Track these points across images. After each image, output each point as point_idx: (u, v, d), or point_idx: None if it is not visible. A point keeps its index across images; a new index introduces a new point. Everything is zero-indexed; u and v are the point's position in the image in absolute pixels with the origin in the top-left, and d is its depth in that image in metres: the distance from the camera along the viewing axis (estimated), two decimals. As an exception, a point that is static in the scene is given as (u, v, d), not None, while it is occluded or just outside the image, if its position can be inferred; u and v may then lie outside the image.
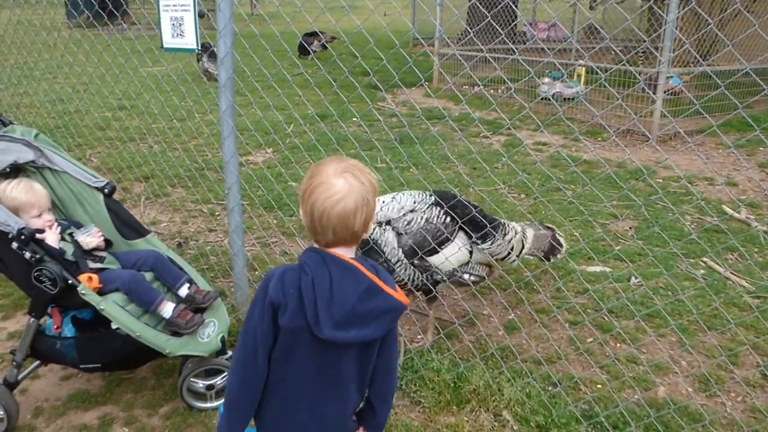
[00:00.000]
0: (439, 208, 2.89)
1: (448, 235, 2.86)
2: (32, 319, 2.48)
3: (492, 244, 2.98)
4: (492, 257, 3.01)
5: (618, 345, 3.14)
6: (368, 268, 1.45)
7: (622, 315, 3.38)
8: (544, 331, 3.18)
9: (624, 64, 3.89)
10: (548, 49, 9.16)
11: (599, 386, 2.79)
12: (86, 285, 2.36)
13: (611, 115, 7.38)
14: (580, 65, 8.47)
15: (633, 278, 3.75)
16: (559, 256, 3.33)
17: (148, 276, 2.62)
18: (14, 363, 2.53)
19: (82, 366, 2.54)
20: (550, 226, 3.44)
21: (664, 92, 6.80)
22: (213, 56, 9.51)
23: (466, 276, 2.94)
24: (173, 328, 2.52)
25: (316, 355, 1.46)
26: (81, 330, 2.55)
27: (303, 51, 11.68)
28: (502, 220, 3.14)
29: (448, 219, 2.87)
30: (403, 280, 2.85)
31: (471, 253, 2.93)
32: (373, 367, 1.57)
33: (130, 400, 2.72)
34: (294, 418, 1.54)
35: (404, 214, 2.86)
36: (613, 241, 4.28)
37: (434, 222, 2.85)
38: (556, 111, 8.03)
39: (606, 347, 3.08)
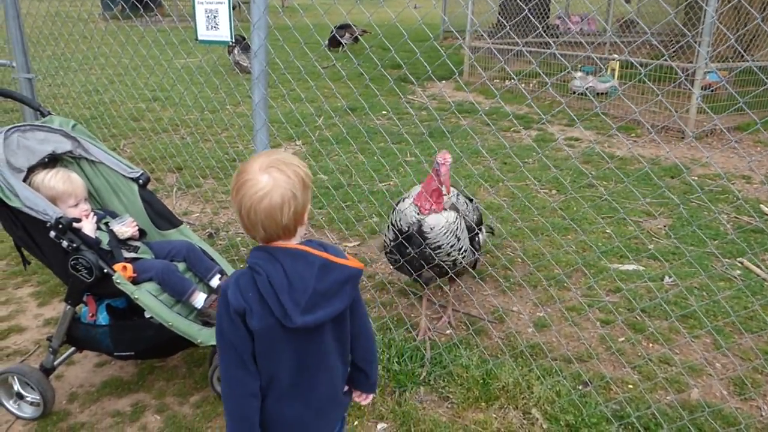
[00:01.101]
0: (471, 204, 3.12)
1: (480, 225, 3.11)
2: (68, 307, 2.53)
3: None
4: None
5: (650, 345, 3.07)
6: (316, 248, 1.47)
7: (654, 315, 3.31)
8: (574, 329, 3.14)
9: (665, 59, 3.80)
10: (581, 42, 9.00)
11: (631, 386, 2.75)
12: (121, 274, 2.40)
13: (645, 111, 7.22)
14: (616, 59, 8.31)
15: (667, 278, 3.67)
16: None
17: (181, 266, 2.66)
18: (50, 349, 2.59)
19: (116, 353, 2.58)
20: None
21: (701, 88, 6.62)
22: (244, 49, 9.59)
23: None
24: (205, 318, 2.55)
25: (293, 345, 1.48)
26: (115, 318, 2.59)
27: (334, 43, 11.69)
28: None
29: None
30: (461, 262, 2.90)
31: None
32: (350, 335, 1.62)
33: (161, 388, 2.77)
34: (285, 415, 1.55)
35: (466, 205, 3.06)
36: (646, 239, 4.19)
37: (471, 208, 3.09)
38: (588, 106, 7.90)
39: (638, 347, 3.02)
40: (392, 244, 2.92)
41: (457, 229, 2.84)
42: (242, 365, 1.46)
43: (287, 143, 6.16)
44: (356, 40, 12.10)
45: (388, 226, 2.99)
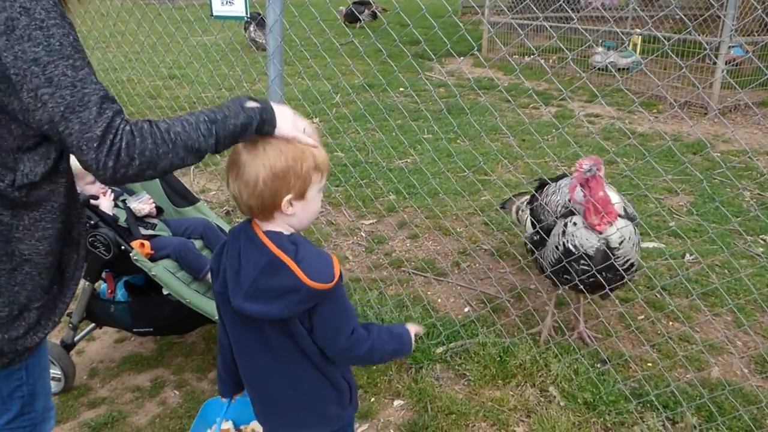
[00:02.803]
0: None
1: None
2: (87, 283, 2.56)
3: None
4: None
5: (671, 323, 3.04)
6: (280, 244, 1.36)
7: (675, 293, 3.26)
8: (593, 306, 3.10)
9: (690, 33, 3.68)
10: (602, 16, 8.80)
11: (650, 365, 2.72)
12: (138, 251, 2.42)
13: (667, 86, 7.06)
14: (638, 34, 8.11)
15: (688, 255, 3.61)
16: None
17: (198, 243, 2.67)
18: (71, 325, 2.63)
19: (135, 330, 2.62)
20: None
21: (726, 63, 6.45)
22: (260, 25, 9.52)
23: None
24: (221, 296, 2.57)
25: (242, 323, 1.46)
26: (133, 295, 2.62)
27: (351, 18, 11.56)
28: None
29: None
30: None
31: None
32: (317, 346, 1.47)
33: (180, 364, 2.80)
34: (257, 390, 1.57)
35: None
36: (668, 216, 4.12)
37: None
38: (609, 81, 7.74)
39: (658, 325, 2.98)
40: (558, 266, 2.59)
41: (637, 239, 2.54)
42: (219, 317, 1.56)
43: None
44: (374, 16, 11.94)
45: (554, 248, 2.60)
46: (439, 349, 2.79)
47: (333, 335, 1.43)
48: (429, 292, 3.31)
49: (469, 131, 5.81)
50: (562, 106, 6.78)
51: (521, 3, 9.18)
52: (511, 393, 2.55)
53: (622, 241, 2.44)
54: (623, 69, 7.93)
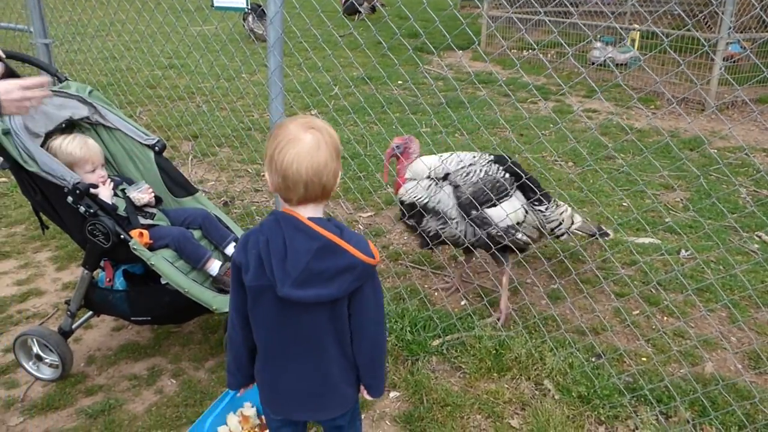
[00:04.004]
0: (498, 165, 2.93)
1: (509, 189, 2.88)
2: (86, 272, 2.56)
3: (547, 209, 2.98)
4: (544, 223, 2.97)
5: (665, 318, 3.06)
6: (327, 228, 1.44)
7: (670, 288, 3.29)
8: (589, 301, 3.13)
9: (689, 29, 3.69)
10: (600, 12, 8.79)
11: (644, 359, 2.74)
12: (137, 240, 2.42)
13: (665, 83, 7.07)
14: (636, 29, 8.11)
15: (683, 251, 3.63)
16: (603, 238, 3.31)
17: (197, 234, 2.67)
18: (69, 313, 2.63)
19: (132, 318, 2.62)
20: (603, 228, 3.33)
21: (723, 59, 6.46)
22: (259, 16, 9.47)
23: (519, 235, 2.90)
24: (219, 285, 2.58)
25: (280, 313, 1.48)
26: (132, 284, 2.62)
27: (350, 10, 11.51)
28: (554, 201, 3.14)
29: (507, 175, 2.90)
30: (456, 236, 2.87)
31: (526, 213, 2.93)
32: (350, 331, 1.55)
33: (177, 353, 2.81)
34: (279, 378, 1.58)
35: (463, 167, 2.91)
36: (664, 212, 4.14)
37: (493, 175, 2.88)
38: (607, 77, 7.74)
39: (653, 320, 3.01)
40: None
41: (421, 197, 2.88)
42: (234, 314, 1.56)
43: (303, 112, 6.13)
44: (373, 9, 11.89)
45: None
46: (435, 342, 2.81)
47: (375, 312, 1.54)
48: (426, 285, 3.32)
49: (468, 125, 5.81)
50: (560, 101, 6.78)
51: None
52: (506, 386, 2.57)
53: (403, 199, 2.94)
54: (621, 64, 7.94)
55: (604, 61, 7.86)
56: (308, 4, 3.10)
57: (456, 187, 2.86)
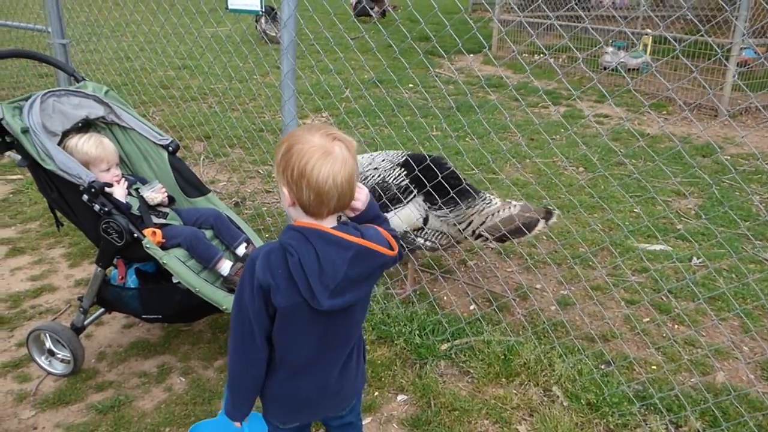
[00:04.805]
0: (402, 170, 2.96)
1: (401, 197, 2.93)
2: (99, 269, 2.58)
3: (451, 212, 2.95)
4: (454, 226, 2.99)
5: (676, 327, 3.04)
6: (353, 234, 1.43)
7: (681, 296, 3.27)
8: (598, 308, 3.12)
9: (702, 35, 3.68)
10: (612, 16, 8.76)
11: (654, 367, 2.73)
12: (150, 239, 2.44)
13: (677, 88, 7.04)
14: (649, 34, 8.08)
15: (695, 259, 3.61)
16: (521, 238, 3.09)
17: (208, 233, 2.69)
18: (81, 309, 2.66)
19: (144, 316, 2.64)
20: (551, 210, 3.14)
21: (737, 65, 6.42)
22: (272, 18, 9.53)
23: (421, 240, 2.96)
24: (230, 285, 2.59)
25: (320, 325, 1.47)
26: (144, 282, 2.64)
27: (361, 13, 11.54)
28: (481, 193, 3.07)
29: (406, 182, 2.94)
30: None
31: (426, 219, 2.96)
32: None
33: (187, 352, 2.83)
34: (300, 390, 1.56)
35: (365, 170, 2.99)
36: (675, 219, 4.12)
37: (389, 182, 2.93)
38: (619, 82, 7.71)
39: (663, 328, 2.99)
40: None
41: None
42: (251, 335, 1.46)
43: (314, 115, 6.15)
44: (384, 14, 11.90)
45: None
46: (444, 346, 2.81)
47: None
48: (435, 289, 3.32)
49: (478, 129, 5.81)
50: (571, 106, 6.77)
51: (533, 2, 9.15)
52: (515, 391, 2.57)
53: None
54: (633, 69, 7.91)
55: (616, 66, 7.83)
56: (321, 7, 3.12)
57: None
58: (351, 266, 1.40)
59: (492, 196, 3.10)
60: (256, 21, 10.04)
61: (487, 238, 3.03)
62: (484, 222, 3.03)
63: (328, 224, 1.44)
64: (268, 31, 9.55)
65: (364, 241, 1.43)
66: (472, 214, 3.00)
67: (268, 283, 1.39)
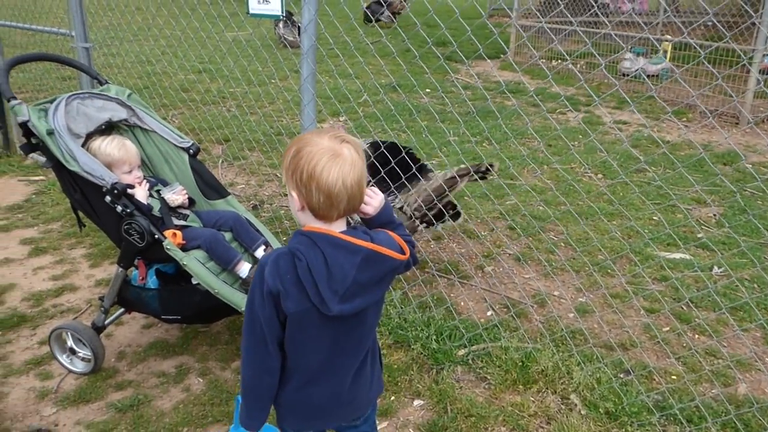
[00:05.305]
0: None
1: None
2: (120, 269, 2.62)
3: (397, 198, 3.05)
4: (401, 210, 3.08)
5: (697, 336, 3.00)
6: (361, 238, 1.41)
7: (702, 306, 3.23)
8: (617, 316, 3.09)
9: (727, 41, 3.63)
10: (631, 22, 8.70)
11: (674, 378, 2.69)
12: (171, 241, 2.46)
13: (697, 95, 6.96)
14: (669, 41, 8.01)
15: (716, 268, 3.56)
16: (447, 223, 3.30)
17: (227, 236, 2.71)
18: (102, 309, 2.69)
19: (163, 317, 2.66)
20: (488, 166, 3.21)
21: (759, 72, 6.34)
22: (287, 23, 9.59)
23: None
24: (248, 287, 2.60)
25: (331, 330, 1.46)
26: (164, 283, 2.67)
27: (369, 18, 11.56)
28: (431, 173, 3.22)
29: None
30: None
31: None
32: None
33: (205, 353, 2.85)
34: (313, 397, 1.54)
35: None
36: (695, 228, 4.07)
37: None
38: (638, 88, 7.65)
39: (684, 338, 2.96)
40: None
41: None
42: (263, 342, 1.44)
43: (333, 119, 6.18)
44: (393, 18, 11.86)
45: None
46: (461, 352, 2.80)
47: None
48: (452, 294, 3.32)
49: (495, 134, 5.80)
50: (589, 112, 6.72)
51: (553, 7, 9.11)
52: (532, 399, 2.55)
53: None
54: (653, 76, 7.84)
55: (635, 72, 7.77)
56: (340, 11, 3.13)
57: None
58: (360, 271, 1.39)
59: (438, 172, 3.21)
60: (275, 25, 10.11)
61: (431, 219, 3.16)
62: (419, 197, 3.15)
63: (338, 228, 1.43)
64: (286, 36, 9.61)
65: (373, 245, 1.41)
66: (412, 194, 3.05)
67: (277, 288, 1.38)
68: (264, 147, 5.28)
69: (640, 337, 2.98)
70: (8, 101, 2.54)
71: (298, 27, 9.39)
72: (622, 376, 2.66)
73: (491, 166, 3.16)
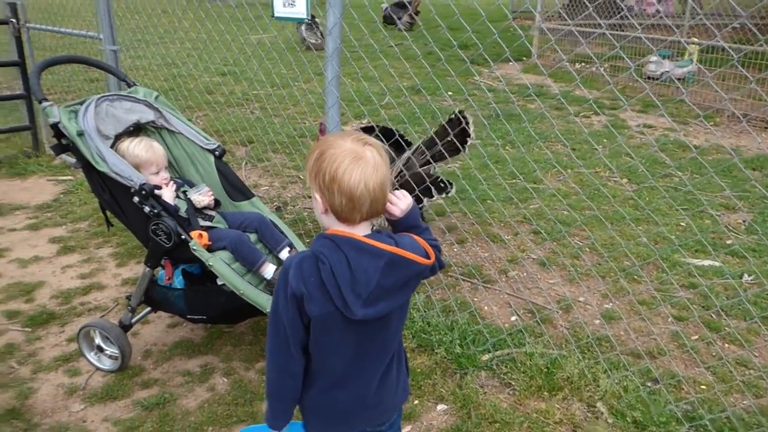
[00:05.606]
0: None
1: None
2: (147, 269, 2.64)
3: None
4: None
5: (727, 346, 2.94)
6: (385, 242, 1.40)
7: (732, 314, 3.16)
8: (644, 323, 3.04)
9: (761, 44, 3.57)
10: (657, 25, 8.58)
11: (704, 387, 2.64)
12: (197, 241, 2.48)
13: (724, 98, 6.84)
14: (696, 43, 7.88)
15: (746, 275, 3.49)
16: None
17: (252, 237, 2.72)
18: (129, 308, 2.72)
19: (188, 316, 2.68)
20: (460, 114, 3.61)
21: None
22: (310, 26, 9.63)
23: None
24: (273, 289, 2.60)
25: (354, 334, 1.45)
26: (190, 283, 2.69)
27: (390, 20, 11.56)
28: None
29: None
30: None
31: None
32: None
33: (229, 353, 2.86)
34: (337, 401, 1.54)
35: None
36: (724, 234, 4.00)
37: None
38: (663, 92, 7.54)
39: (713, 347, 2.90)
40: None
41: None
42: (286, 345, 1.45)
43: (357, 121, 6.19)
44: (412, 23, 11.81)
45: None
46: (485, 357, 2.78)
47: None
48: (475, 299, 3.29)
49: (519, 137, 5.76)
50: (614, 115, 6.65)
51: (578, 10, 9.02)
52: (557, 406, 2.52)
53: None
54: (679, 79, 7.72)
55: (661, 75, 7.67)
56: (364, 15, 3.13)
57: None
58: (384, 275, 1.38)
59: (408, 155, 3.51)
60: (298, 28, 10.17)
61: (418, 196, 3.33)
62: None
63: (361, 232, 1.42)
64: (308, 38, 9.66)
65: (396, 249, 1.40)
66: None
67: (300, 291, 1.38)
68: (287, 149, 5.31)
69: (668, 345, 2.93)
70: (39, 103, 2.59)
71: (321, 30, 9.44)
72: (649, 384, 2.62)
73: (462, 115, 3.50)
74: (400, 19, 11.49)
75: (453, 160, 3.74)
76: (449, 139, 3.48)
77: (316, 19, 9.67)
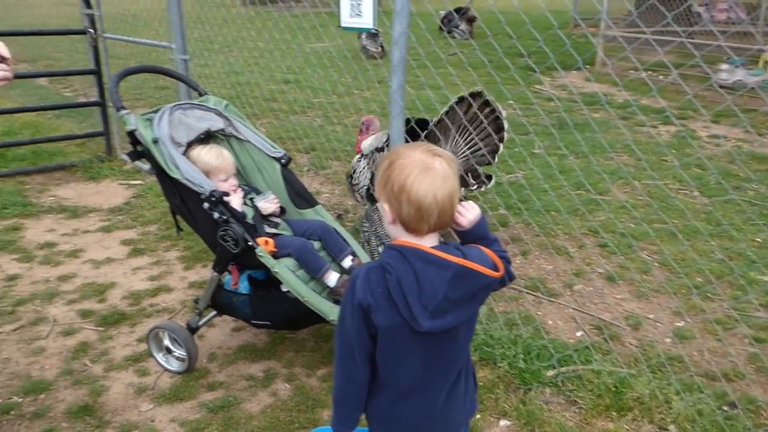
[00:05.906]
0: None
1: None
2: (215, 274, 2.71)
3: None
4: None
5: (811, 371, 2.77)
6: (453, 254, 1.38)
7: (816, 338, 2.97)
8: (719, 344, 2.89)
9: None
10: (725, 32, 8.22)
11: (786, 414, 2.49)
12: (263, 248, 2.52)
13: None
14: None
15: (832, 297, 3.28)
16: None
17: (316, 245, 2.75)
18: (197, 311, 2.79)
19: (253, 321, 2.72)
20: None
21: None
22: (372, 35, 9.71)
23: None
24: (336, 297, 2.63)
25: (422, 346, 1.44)
26: (255, 288, 2.74)
27: (448, 29, 11.51)
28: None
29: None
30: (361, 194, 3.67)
31: None
32: None
33: (291, 359, 2.89)
34: (403, 414, 1.52)
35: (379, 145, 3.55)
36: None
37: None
38: (737, 101, 7.20)
39: (796, 372, 2.73)
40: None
41: (355, 171, 3.58)
42: (351, 355, 1.46)
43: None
44: (470, 32, 11.65)
45: None
46: (550, 373, 2.70)
47: None
48: (539, 312, 3.22)
49: (580, 149, 5.61)
50: (683, 125, 6.39)
51: (653, 17, 8.73)
52: (626, 427, 2.43)
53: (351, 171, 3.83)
54: (751, 88, 7.37)
55: (734, 83, 7.34)
56: (432, 25, 3.12)
57: (371, 160, 3.47)
58: (451, 287, 1.36)
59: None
60: (359, 36, 10.27)
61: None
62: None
63: (429, 243, 1.41)
64: (368, 47, 9.74)
65: (464, 261, 1.38)
66: None
67: (367, 302, 1.39)
68: (349, 157, 5.35)
69: (746, 367, 2.77)
70: (117, 111, 2.70)
71: (381, 38, 9.51)
72: (726, 408, 2.48)
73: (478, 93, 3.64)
74: (458, 27, 11.45)
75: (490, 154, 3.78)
76: (484, 127, 3.66)
77: (377, 29, 9.77)
